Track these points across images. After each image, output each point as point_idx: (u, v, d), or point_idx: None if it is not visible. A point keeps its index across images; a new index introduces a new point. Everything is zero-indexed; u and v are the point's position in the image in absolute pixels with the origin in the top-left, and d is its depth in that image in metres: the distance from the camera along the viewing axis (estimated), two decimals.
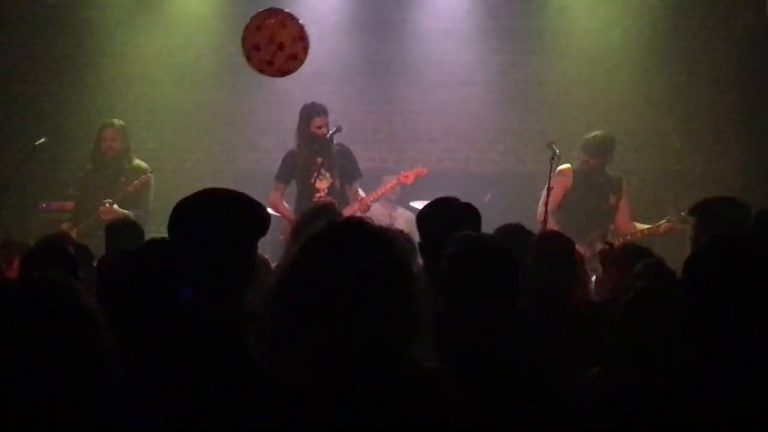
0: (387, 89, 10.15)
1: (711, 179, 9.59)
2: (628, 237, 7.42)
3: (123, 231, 5.31)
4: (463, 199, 3.85)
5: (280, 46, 6.33)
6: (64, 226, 7.83)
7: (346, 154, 7.79)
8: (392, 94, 10.16)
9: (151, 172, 8.06)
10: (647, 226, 7.54)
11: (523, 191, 8.40)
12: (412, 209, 8.56)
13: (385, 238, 2.15)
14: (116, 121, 8.18)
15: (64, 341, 2.18)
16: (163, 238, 3.18)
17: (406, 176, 7.93)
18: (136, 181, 7.85)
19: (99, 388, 2.21)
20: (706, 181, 9.56)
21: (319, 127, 7.59)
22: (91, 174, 8.14)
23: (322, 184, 7.64)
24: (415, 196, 8.53)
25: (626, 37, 9.84)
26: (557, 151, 7.33)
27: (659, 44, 9.84)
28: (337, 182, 7.71)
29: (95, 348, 2.22)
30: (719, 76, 9.87)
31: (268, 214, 2.84)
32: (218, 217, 2.71)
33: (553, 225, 7.08)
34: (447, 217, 3.64)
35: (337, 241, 2.12)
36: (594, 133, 7.82)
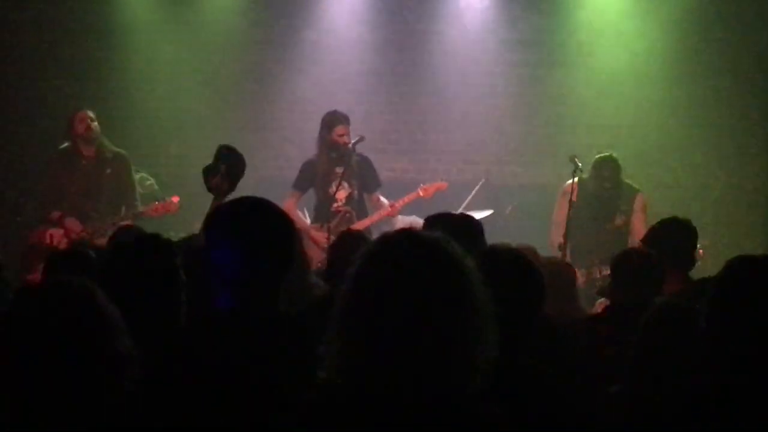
0: (409, 100, 10.15)
1: (734, 194, 9.54)
2: None
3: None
4: (487, 211, 3.84)
5: None
6: (54, 215, 7.76)
7: (366, 164, 7.80)
8: (414, 104, 10.16)
9: (125, 155, 8.10)
10: None
11: (544, 204, 8.35)
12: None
13: (442, 246, 2.12)
14: (89, 113, 8.12)
15: (82, 345, 2.18)
16: (166, 239, 3.22)
17: (426, 189, 7.88)
18: (157, 205, 7.83)
19: (117, 393, 2.22)
20: (730, 197, 9.51)
21: (341, 135, 7.60)
22: (68, 156, 8.05)
23: (341, 193, 7.65)
24: (435, 209, 8.49)
25: (650, 51, 9.80)
26: (579, 164, 7.30)
27: (683, 58, 9.79)
28: (356, 192, 7.72)
29: (113, 352, 2.22)
30: (744, 91, 9.81)
31: (293, 226, 2.90)
32: (255, 225, 2.77)
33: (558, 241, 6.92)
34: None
35: (397, 256, 2.09)
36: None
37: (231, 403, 2.59)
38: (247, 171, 5.37)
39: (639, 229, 7.18)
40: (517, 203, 8.77)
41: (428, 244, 2.11)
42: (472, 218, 3.83)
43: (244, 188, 6.02)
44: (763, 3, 9.74)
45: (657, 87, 9.82)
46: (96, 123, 8.06)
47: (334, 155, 7.62)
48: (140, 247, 3.26)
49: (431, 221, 3.79)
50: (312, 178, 7.77)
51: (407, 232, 2.17)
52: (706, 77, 9.81)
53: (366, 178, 7.77)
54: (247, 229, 2.76)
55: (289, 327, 2.75)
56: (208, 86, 10.04)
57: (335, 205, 7.59)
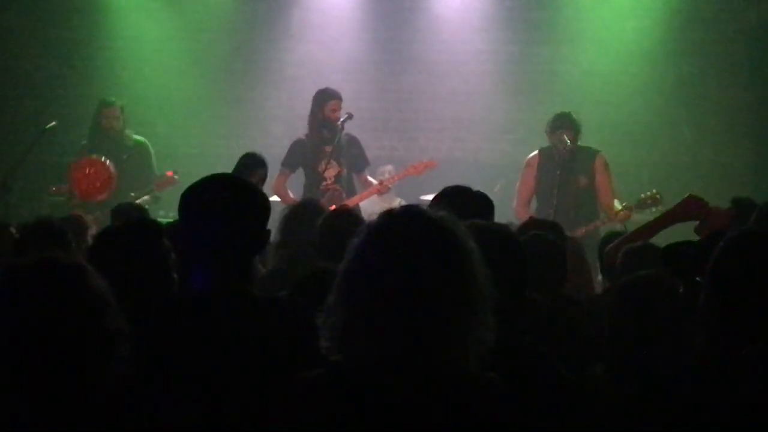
0: (398, 78, 10.12)
1: (722, 172, 9.56)
2: (595, 224, 7.27)
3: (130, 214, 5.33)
4: (474, 189, 3.82)
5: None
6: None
7: (354, 143, 7.79)
8: (403, 82, 10.14)
9: (145, 143, 8.27)
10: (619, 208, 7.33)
11: None
12: (423, 203, 8.52)
13: (446, 226, 2.13)
14: (116, 100, 8.23)
15: (72, 324, 2.17)
16: (151, 220, 3.21)
17: (415, 167, 7.90)
18: (160, 182, 7.94)
19: (108, 372, 2.21)
20: (717, 174, 9.53)
21: (334, 111, 7.58)
22: (88, 151, 8.15)
23: (330, 172, 7.64)
24: (425, 188, 8.50)
25: (639, 29, 9.79)
26: (568, 141, 7.31)
27: (672, 36, 9.79)
28: (345, 171, 7.71)
29: (105, 331, 2.21)
30: (731, 68, 9.82)
31: (269, 202, 2.89)
32: (223, 203, 2.74)
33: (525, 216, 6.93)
34: (461, 206, 3.61)
35: (400, 231, 2.10)
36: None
37: (206, 384, 2.59)
38: (234, 149, 5.37)
39: (605, 187, 7.42)
40: (505, 181, 8.76)
41: (431, 221, 2.12)
42: (486, 196, 3.81)
43: (231, 166, 6.04)
44: None
45: (644, 64, 9.81)
46: (119, 120, 8.17)
47: (325, 132, 7.60)
48: (127, 230, 3.25)
49: (448, 193, 3.78)
50: (301, 156, 7.75)
51: (411, 209, 2.17)
52: (693, 55, 9.81)
53: (354, 158, 7.76)
54: (221, 205, 2.74)
55: (262, 306, 2.73)
56: (195, 65, 10.00)
57: (324, 183, 7.57)
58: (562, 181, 7.31)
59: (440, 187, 3.87)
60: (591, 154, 7.56)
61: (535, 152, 7.60)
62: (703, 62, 9.82)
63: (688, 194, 4.73)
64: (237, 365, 2.60)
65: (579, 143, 7.50)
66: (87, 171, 7.98)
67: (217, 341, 2.62)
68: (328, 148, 7.56)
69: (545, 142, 7.57)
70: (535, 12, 9.95)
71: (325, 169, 7.58)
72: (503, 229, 2.96)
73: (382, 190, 7.68)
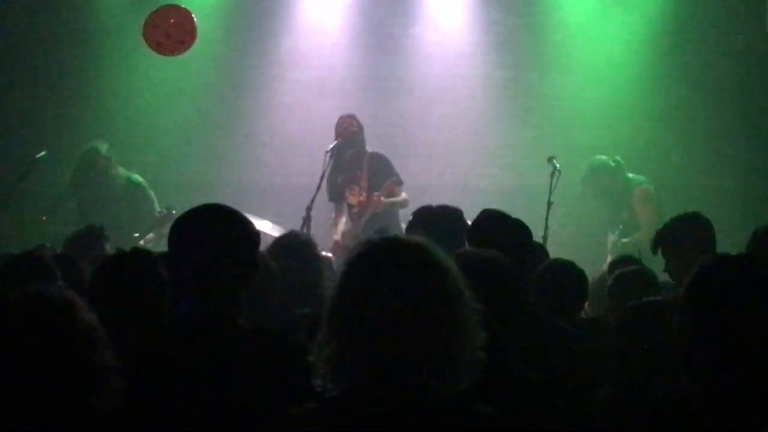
0: (387, 103, 10.14)
1: (711, 195, 9.58)
2: None
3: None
4: (465, 214, 3.84)
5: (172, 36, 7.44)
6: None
7: (380, 161, 7.78)
8: (393, 108, 10.15)
9: (144, 186, 8.18)
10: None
11: (523, 206, 8.34)
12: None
13: (426, 249, 2.15)
14: (101, 146, 8.17)
15: (61, 359, 2.15)
16: (145, 250, 3.23)
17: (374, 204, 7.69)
18: (160, 219, 7.74)
19: (97, 407, 2.19)
20: (706, 198, 9.55)
21: (345, 127, 7.63)
22: (71, 195, 8.13)
23: (353, 199, 7.66)
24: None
25: (627, 52, 9.84)
26: (557, 165, 7.34)
27: (659, 59, 9.84)
28: (364, 195, 7.69)
29: (94, 366, 2.19)
30: (719, 91, 9.86)
31: (257, 231, 2.89)
32: (214, 233, 2.75)
33: None
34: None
35: (376, 262, 2.13)
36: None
37: (189, 412, 2.58)
38: (224, 177, 5.35)
39: (643, 219, 7.98)
40: (496, 205, 8.76)
41: (410, 247, 2.14)
42: (457, 211, 3.85)
43: (222, 194, 6.03)
44: (738, 3, 9.80)
45: (633, 88, 9.85)
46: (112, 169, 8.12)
47: (336, 165, 7.60)
48: (122, 260, 3.26)
49: (417, 214, 3.80)
50: (331, 189, 7.78)
51: (389, 236, 2.20)
52: (681, 79, 9.86)
53: (377, 177, 7.73)
54: (206, 236, 2.74)
55: (252, 338, 2.73)
56: (184, 93, 10.00)
57: (353, 211, 7.63)
58: (610, 214, 8.12)
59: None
60: (631, 185, 8.22)
61: (551, 182, 7.39)
62: (691, 85, 9.86)
63: None
64: (218, 395, 2.60)
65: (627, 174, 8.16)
66: (170, 21, 7.55)
67: (200, 370, 2.62)
68: (340, 179, 7.65)
69: (534, 167, 7.66)
70: (523, 37, 9.99)
71: (348, 198, 7.66)
72: (493, 256, 2.96)
73: (378, 206, 7.61)
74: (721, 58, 9.84)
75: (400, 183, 7.81)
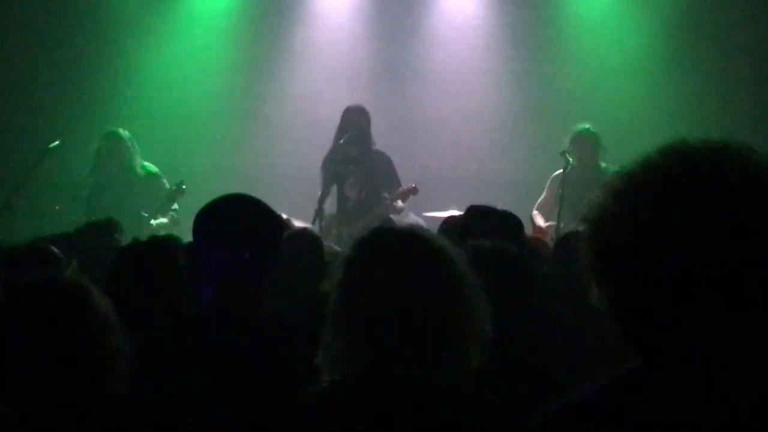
0: (400, 96, 10.14)
1: None
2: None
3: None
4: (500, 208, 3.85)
5: None
6: None
7: (382, 161, 7.78)
8: (405, 101, 10.16)
9: (160, 175, 8.17)
10: None
11: (535, 200, 8.37)
12: (426, 219, 8.51)
13: (431, 241, 2.17)
14: (122, 132, 8.22)
15: (74, 343, 2.18)
16: (164, 239, 3.24)
17: (400, 194, 7.68)
18: (171, 192, 7.89)
19: (108, 390, 2.21)
20: None
21: (352, 121, 7.64)
22: (100, 184, 8.16)
23: (352, 193, 7.66)
24: (430, 207, 8.49)
25: (640, 47, 9.82)
26: (570, 159, 7.32)
27: (673, 54, 9.82)
28: (364, 193, 7.69)
29: (107, 350, 2.21)
30: (733, 86, 9.84)
31: (282, 220, 2.91)
32: (240, 221, 2.77)
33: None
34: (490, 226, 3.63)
35: (372, 253, 2.15)
36: None
37: (212, 398, 2.60)
38: (239, 167, 5.36)
39: None
40: (508, 199, 8.76)
41: (413, 235, 2.17)
42: (513, 216, 3.84)
43: (235, 185, 6.04)
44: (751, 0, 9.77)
45: (646, 82, 9.84)
46: (127, 153, 8.15)
47: (341, 156, 7.60)
48: (143, 248, 3.28)
49: (471, 212, 3.80)
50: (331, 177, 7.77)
51: (394, 228, 2.22)
52: (695, 73, 9.83)
53: (380, 177, 7.72)
54: (233, 225, 2.76)
55: (271, 325, 2.75)
56: (198, 83, 10.03)
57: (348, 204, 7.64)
58: (570, 201, 7.24)
59: (442, 205, 3.90)
60: (610, 171, 7.63)
61: (561, 172, 7.43)
62: (704, 80, 9.84)
63: None
64: (239, 381, 2.62)
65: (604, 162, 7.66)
66: None
67: (221, 358, 2.64)
68: (348, 168, 7.67)
69: (547, 161, 7.62)
70: (537, 30, 9.98)
71: (347, 190, 7.65)
72: (503, 248, 2.97)
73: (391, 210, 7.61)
74: (734, 52, 9.81)
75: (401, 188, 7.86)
